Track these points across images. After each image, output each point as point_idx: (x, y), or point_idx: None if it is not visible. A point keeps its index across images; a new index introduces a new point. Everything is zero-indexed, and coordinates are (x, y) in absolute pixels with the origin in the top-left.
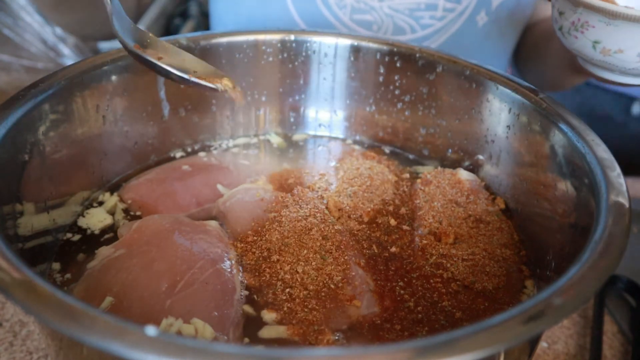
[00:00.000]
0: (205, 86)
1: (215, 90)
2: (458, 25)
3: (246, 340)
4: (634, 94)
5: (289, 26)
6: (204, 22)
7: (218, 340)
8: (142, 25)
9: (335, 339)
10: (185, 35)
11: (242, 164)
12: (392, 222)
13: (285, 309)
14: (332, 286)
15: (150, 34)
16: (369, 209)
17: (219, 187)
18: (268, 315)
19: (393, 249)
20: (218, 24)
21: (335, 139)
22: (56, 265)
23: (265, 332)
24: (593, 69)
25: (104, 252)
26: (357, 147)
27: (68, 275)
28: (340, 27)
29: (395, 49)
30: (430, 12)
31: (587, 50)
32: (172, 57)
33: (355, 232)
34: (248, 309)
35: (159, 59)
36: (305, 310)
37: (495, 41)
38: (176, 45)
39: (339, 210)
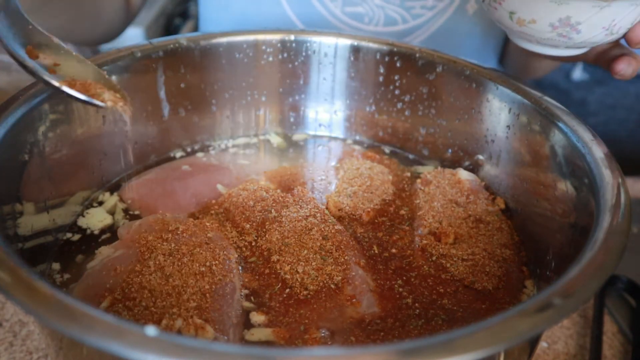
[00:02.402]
0: (80, 99)
1: (93, 105)
2: (449, 14)
3: (246, 331)
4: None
5: (282, 21)
6: None
7: (218, 340)
8: (142, 26)
9: (322, 336)
10: (185, 35)
11: (242, 164)
12: (392, 222)
13: (275, 311)
14: (332, 286)
15: (56, 40)
16: (369, 209)
17: (219, 187)
18: (257, 317)
19: (393, 249)
20: (207, 24)
21: (335, 139)
22: (56, 265)
23: (250, 335)
24: (516, 40)
25: (104, 252)
26: (357, 147)
27: (68, 275)
28: (333, 20)
29: (395, 49)
30: (421, 1)
31: (505, 21)
32: (71, 66)
33: (355, 232)
34: (248, 308)
35: (55, 65)
36: (299, 312)
37: (485, 28)
38: (176, 45)
39: (339, 210)
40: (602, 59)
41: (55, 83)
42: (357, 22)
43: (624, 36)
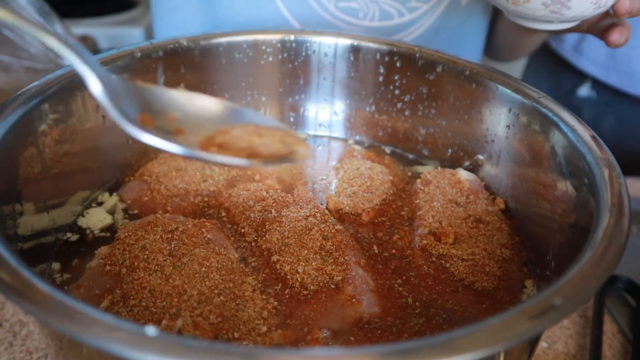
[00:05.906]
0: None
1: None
2: (443, 7)
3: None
4: (586, 70)
5: (274, 18)
6: None
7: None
8: (142, 26)
9: (323, 336)
10: (185, 35)
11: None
12: (392, 222)
13: (277, 310)
14: (332, 286)
15: (157, 88)
16: (369, 209)
17: (219, 186)
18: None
19: (393, 249)
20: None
21: (336, 139)
22: (56, 265)
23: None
24: (514, 18)
25: (103, 252)
26: (357, 147)
27: (68, 275)
28: (327, 16)
29: (395, 49)
30: None
31: (501, 1)
32: (196, 115)
33: (355, 232)
34: None
35: (178, 131)
36: (304, 313)
37: (477, 18)
38: (176, 45)
39: (339, 210)
40: (594, 29)
41: (191, 152)
42: (351, 18)
43: (612, 7)
